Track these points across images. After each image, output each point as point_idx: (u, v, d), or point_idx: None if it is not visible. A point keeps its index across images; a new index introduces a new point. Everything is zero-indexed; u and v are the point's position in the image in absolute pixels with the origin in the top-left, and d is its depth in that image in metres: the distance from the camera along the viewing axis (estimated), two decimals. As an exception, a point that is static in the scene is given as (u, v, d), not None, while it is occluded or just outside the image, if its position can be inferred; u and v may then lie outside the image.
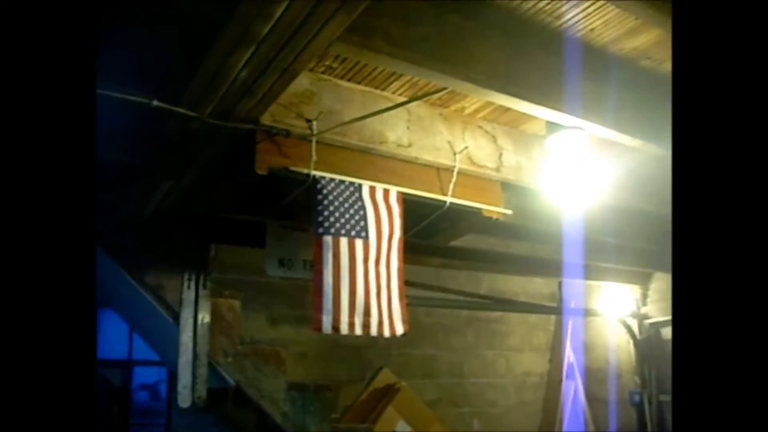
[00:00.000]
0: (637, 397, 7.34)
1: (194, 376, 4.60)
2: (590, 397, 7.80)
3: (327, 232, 3.36)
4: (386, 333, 3.59)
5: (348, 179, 3.42)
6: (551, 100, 3.10)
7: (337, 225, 3.38)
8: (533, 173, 4.07)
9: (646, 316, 7.46)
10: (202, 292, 4.69)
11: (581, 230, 5.03)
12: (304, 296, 6.17)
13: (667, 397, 7.21)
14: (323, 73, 3.40)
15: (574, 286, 8.04)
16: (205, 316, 4.66)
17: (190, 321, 4.62)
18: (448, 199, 3.70)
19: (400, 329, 3.67)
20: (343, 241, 3.40)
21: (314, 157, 3.23)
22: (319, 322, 3.35)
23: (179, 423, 5.64)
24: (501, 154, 3.92)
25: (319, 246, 3.37)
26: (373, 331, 3.50)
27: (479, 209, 3.82)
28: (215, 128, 2.89)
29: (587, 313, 7.61)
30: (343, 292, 3.36)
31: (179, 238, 4.48)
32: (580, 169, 3.66)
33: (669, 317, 7.23)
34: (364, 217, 3.48)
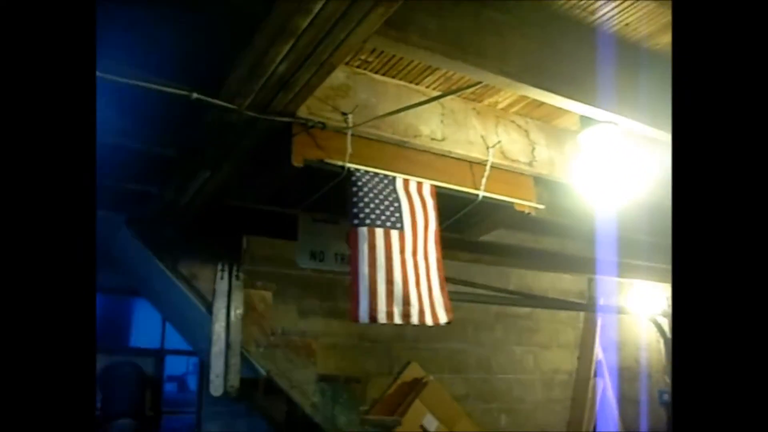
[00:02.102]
0: (666, 397, 7.30)
1: (227, 365, 4.67)
2: (619, 396, 7.76)
3: (362, 223, 3.40)
4: (429, 321, 3.61)
5: (382, 172, 3.46)
6: (585, 94, 3.10)
7: (372, 216, 3.42)
8: (566, 168, 4.06)
9: (676, 315, 7.40)
10: (235, 282, 4.76)
11: (613, 227, 5.01)
12: (335, 289, 6.25)
13: (697, 397, 7.15)
14: (359, 67, 3.44)
15: (604, 284, 8.00)
16: (237, 307, 4.73)
17: (223, 311, 4.69)
18: (481, 193, 3.72)
19: (443, 317, 3.69)
20: (379, 232, 3.44)
21: (349, 150, 3.27)
22: (356, 311, 3.38)
23: (210, 412, 5.73)
24: (534, 149, 3.92)
25: (355, 237, 3.41)
26: (414, 319, 3.52)
27: (511, 203, 3.84)
28: (252, 120, 2.94)
29: (617, 310, 7.58)
30: (379, 281, 3.39)
31: (213, 229, 4.56)
32: (614, 164, 3.65)
33: (700, 316, 7.16)
34: (399, 209, 3.51)
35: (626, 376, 7.77)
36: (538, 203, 3.97)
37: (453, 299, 6.23)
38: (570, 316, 7.99)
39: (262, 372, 4.86)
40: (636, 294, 7.68)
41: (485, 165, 3.75)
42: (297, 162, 3.17)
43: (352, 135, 3.27)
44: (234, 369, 4.69)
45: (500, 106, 3.88)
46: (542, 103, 3.85)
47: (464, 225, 4.14)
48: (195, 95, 2.76)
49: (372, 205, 3.42)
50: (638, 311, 7.46)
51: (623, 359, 7.85)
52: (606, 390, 7.76)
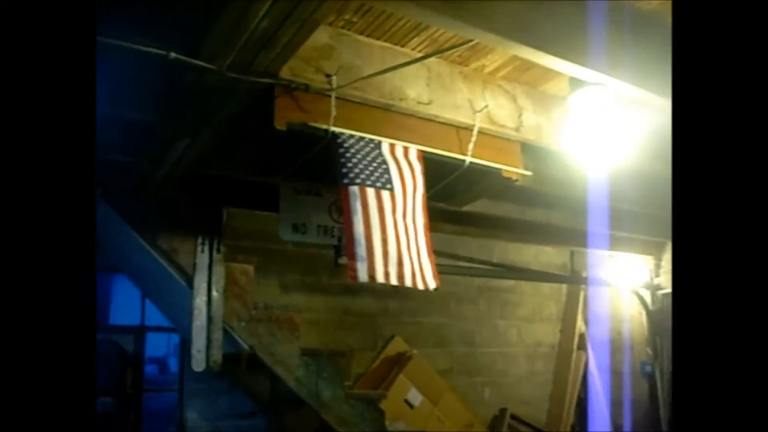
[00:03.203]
0: (649, 368, 7.34)
1: (209, 340, 4.59)
2: (601, 368, 7.77)
3: (352, 182, 3.32)
4: (419, 285, 3.55)
5: (368, 136, 3.37)
6: (576, 54, 3.00)
7: (362, 176, 3.34)
8: (553, 134, 3.99)
9: (659, 287, 7.43)
10: (215, 256, 4.66)
11: (599, 196, 4.96)
12: (317, 264, 6.17)
13: (679, 368, 7.17)
14: (342, 27, 3.33)
15: (586, 256, 8.00)
16: (219, 281, 4.64)
17: (204, 285, 4.60)
18: (468, 159, 3.64)
19: (432, 283, 3.63)
20: (370, 192, 3.36)
21: (333, 113, 3.17)
22: (354, 270, 3.32)
23: (192, 389, 5.64)
24: (521, 114, 3.84)
25: (347, 196, 3.33)
26: (408, 281, 3.47)
27: (499, 170, 3.76)
28: (233, 82, 2.82)
29: (600, 283, 7.56)
30: (375, 240, 3.33)
31: (193, 201, 4.44)
32: (602, 128, 3.59)
33: (682, 288, 7.17)
34: (387, 171, 3.44)
35: (609, 348, 7.77)
36: (525, 170, 3.89)
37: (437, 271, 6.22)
38: (553, 289, 7.98)
39: (245, 347, 4.78)
40: (618, 267, 7.67)
41: (472, 130, 3.67)
42: (279, 125, 3.06)
43: (337, 98, 3.17)
44: (216, 344, 4.60)
45: (487, 69, 3.78)
46: (529, 68, 3.77)
47: (449, 193, 4.05)
48: (173, 55, 2.64)
49: (361, 166, 3.34)
50: (621, 284, 7.45)
51: (606, 332, 7.85)
52: (589, 362, 7.78)
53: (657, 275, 7.47)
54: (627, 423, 7.34)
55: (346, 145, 3.29)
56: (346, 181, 3.31)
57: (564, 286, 8.08)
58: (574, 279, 7.80)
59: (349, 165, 3.31)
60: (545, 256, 7.81)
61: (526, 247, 7.55)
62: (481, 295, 7.31)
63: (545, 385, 7.68)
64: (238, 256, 4.84)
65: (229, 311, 4.67)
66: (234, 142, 3.64)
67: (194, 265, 4.56)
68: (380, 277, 3.35)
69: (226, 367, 4.78)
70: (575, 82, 3.43)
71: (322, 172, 4.37)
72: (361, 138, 3.37)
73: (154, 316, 6.64)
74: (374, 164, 3.38)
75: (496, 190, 4.32)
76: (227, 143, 3.63)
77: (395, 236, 3.40)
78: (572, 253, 8.14)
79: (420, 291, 6.74)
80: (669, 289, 7.34)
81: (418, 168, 3.56)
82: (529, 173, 3.88)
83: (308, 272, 6.15)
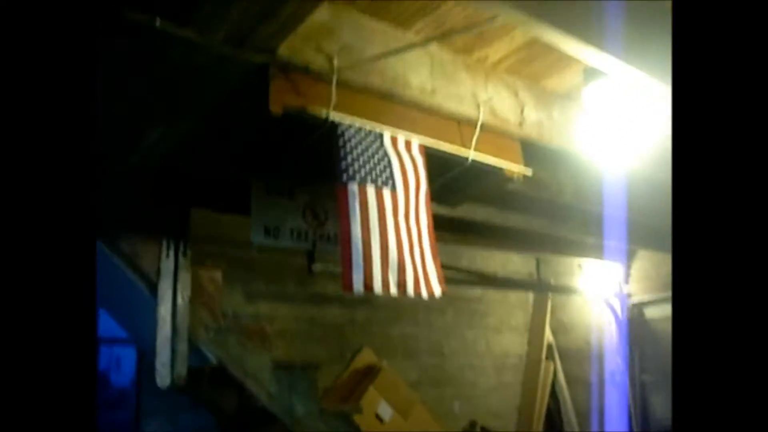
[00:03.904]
0: (618, 378, 7.18)
1: (173, 352, 4.20)
2: (570, 379, 7.62)
3: (352, 179, 3.00)
4: (423, 293, 3.25)
5: (369, 126, 3.07)
6: (595, 39, 2.78)
7: (362, 173, 3.03)
8: (553, 133, 3.77)
9: (628, 296, 7.30)
10: (182, 261, 4.29)
11: (591, 201, 4.80)
12: (283, 272, 5.84)
13: (649, 378, 7.08)
14: (345, 2, 3.01)
15: (552, 265, 7.87)
16: (185, 288, 4.26)
17: (169, 293, 4.21)
18: (471, 154, 3.37)
19: (437, 290, 3.33)
20: (370, 191, 3.05)
21: (334, 98, 2.86)
22: (350, 279, 2.98)
23: (150, 406, 5.23)
24: (523, 109, 3.60)
25: (345, 195, 3.00)
26: (410, 289, 3.15)
27: (501, 168, 3.51)
28: (224, 61, 2.50)
29: (569, 291, 7.43)
30: (374, 245, 3.01)
31: (158, 200, 4.06)
32: (615, 125, 3.39)
33: (652, 296, 7.10)
34: (389, 166, 3.13)
35: (577, 358, 7.64)
36: (526, 169, 3.66)
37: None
38: (520, 298, 7.82)
39: (212, 359, 4.43)
40: (587, 275, 7.54)
41: (474, 124, 3.40)
42: (275, 109, 2.72)
43: (337, 84, 2.86)
44: (181, 357, 4.21)
45: (490, 60, 3.52)
46: (532, 60, 3.56)
47: (445, 193, 3.77)
48: (159, 22, 2.29)
49: (361, 161, 3.03)
50: (589, 292, 7.32)
51: (574, 341, 7.71)
52: (557, 372, 7.63)
53: (626, 283, 7.36)
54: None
55: (346, 136, 2.98)
56: (345, 178, 3.00)
57: (531, 296, 7.92)
58: (545, 287, 7.64)
59: (349, 159, 2.99)
60: (512, 265, 7.66)
61: (494, 255, 7.38)
62: (450, 304, 7.08)
63: (514, 396, 7.50)
64: (205, 261, 4.48)
65: (195, 321, 4.30)
66: (213, 135, 3.29)
67: (158, 270, 4.17)
68: (378, 287, 3.04)
69: (187, 382, 4.43)
70: (591, 73, 3.22)
71: (295, 172, 4.10)
72: (362, 128, 3.06)
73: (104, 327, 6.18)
74: (375, 158, 3.08)
75: (489, 191, 4.07)
76: (205, 136, 3.28)
77: (396, 240, 3.10)
78: (538, 262, 8.01)
79: (387, 300, 6.57)
80: (639, 298, 7.24)
81: (420, 163, 3.27)
82: (530, 173, 3.64)
83: (274, 280, 5.81)
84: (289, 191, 4.50)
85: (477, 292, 7.33)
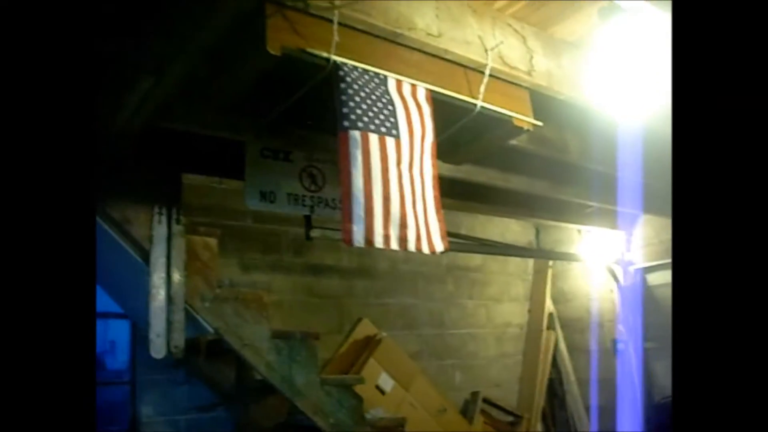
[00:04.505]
0: (621, 346, 7.07)
1: (169, 323, 4.02)
2: (572, 348, 7.51)
3: (354, 126, 2.81)
4: (425, 249, 3.08)
5: (373, 69, 2.88)
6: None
7: (365, 119, 2.84)
8: (563, 82, 3.60)
9: (630, 263, 7.17)
10: (175, 227, 4.09)
11: (597, 161, 4.64)
12: (278, 242, 5.68)
13: (652, 345, 6.97)
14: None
15: (552, 233, 7.73)
16: (179, 255, 4.08)
17: (162, 261, 4.02)
18: (479, 103, 3.19)
19: (439, 246, 3.16)
20: (373, 138, 2.87)
21: (336, 38, 2.67)
22: (350, 233, 2.81)
23: (145, 379, 5.06)
24: (532, 57, 3.43)
25: (346, 142, 2.81)
26: (411, 245, 2.99)
27: (510, 118, 3.33)
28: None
29: (570, 258, 7.29)
30: (376, 197, 2.84)
31: (150, 162, 3.87)
32: (631, 71, 3.21)
33: (654, 263, 6.97)
34: (394, 113, 2.95)
35: (578, 326, 7.53)
36: (536, 120, 3.48)
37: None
38: (519, 268, 7.70)
39: (209, 330, 4.25)
40: (588, 242, 7.40)
41: (481, 71, 3.22)
42: (273, 49, 2.53)
43: (338, 23, 2.67)
44: (178, 327, 4.04)
45: (497, 5, 3.35)
46: (540, 6, 3.38)
47: (451, 147, 3.60)
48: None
49: (364, 106, 2.83)
50: (591, 259, 7.18)
51: (575, 310, 7.60)
52: (559, 342, 7.52)
53: (628, 250, 7.22)
54: (598, 403, 7.09)
55: (348, 79, 2.79)
56: (346, 123, 2.81)
57: (531, 265, 7.80)
58: (547, 254, 7.51)
59: (351, 104, 2.80)
60: (511, 233, 7.53)
61: (494, 223, 7.24)
62: (450, 274, 6.96)
63: (515, 366, 7.41)
64: (199, 228, 4.30)
65: (191, 290, 4.12)
66: (206, 86, 3.08)
67: (150, 237, 3.98)
68: (379, 242, 2.88)
69: (183, 355, 4.27)
70: (607, 11, 3.03)
71: (292, 132, 3.93)
72: (366, 71, 2.87)
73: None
74: (379, 104, 2.89)
75: (494, 148, 3.89)
76: (197, 87, 3.08)
77: (399, 192, 2.93)
78: (538, 231, 7.88)
79: (386, 270, 6.43)
80: (641, 265, 7.11)
81: (427, 111, 3.09)
82: (540, 123, 3.47)
83: (269, 251, 5.66)
84: (285, 154, 4.35)
85: (477, 261, 7.21)
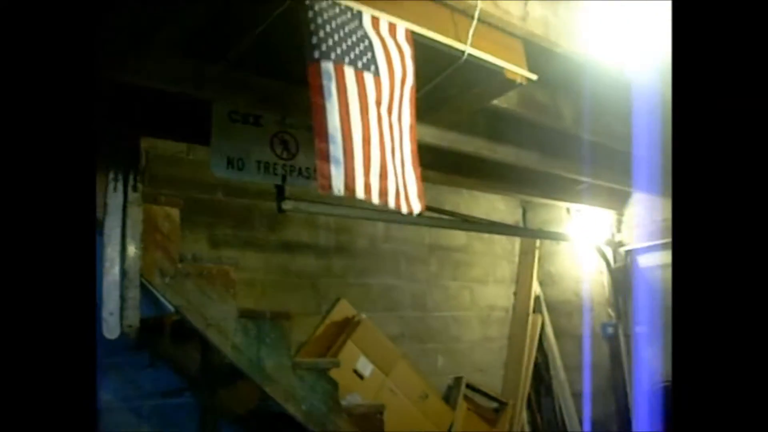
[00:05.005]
0: (610, 330, 6.81)
1: (123, 299, 3.66)
2: (559, 332, 7.22)
3: (326, 57, 2.44)
4: (402, 207, 2.73)
5: (344, 2, 2.51)
6: None
7: (339, 51, 2.47)
8: (560, 33, 3.24)
9: (621, 244, 6.88)
10: (132, 195, 3.73)
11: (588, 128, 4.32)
12: (251, 216, 5.32)
13: (643, 329, 6.68)
14: None
15: (540, 212, 7.44)
16: (135, 226, 3.71)
17: (117, 231, 3.65)
18: (467, 49, 2.84)
19: (416, 206, 2.82)
20: (349, 72, 2.50)
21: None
22: (327, 177, 2.44)
23: (106, 363, 4.68)
24: (526, 3, 3.08)
25: (318, 75, 2.43)
26: (391, 200, 2.65)
27: (501, 69, 2.98)
28: None
29: (558, 237, 6.98)
30: (355, 138, 2.47)
31: (104, 122, 3.49)
32: (633, 23, 2.87)
33: (646, 244, 6.68)
34: (371, 48, 2.59)
35: (566, 310, 7.24)
36: (530, 73, 3.13)
37: (379, 219, 5.45)
38: (505, 249, 7.40)
39: (170, 308, 3.93)
40: (577, 222, 7.10)
41: (470, 16, 2.87)
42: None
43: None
44: (132, 304, 3.67)
45: (486, -61, 2.99)
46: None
47: (437, 100, 3.24)
48: None
49: (336, 37, 2.46)
50: (580, 240, 6.88)
51: (563, 293, 7.31)
52: (545, 326, 7.23)
53: (618, 231, 6.92)
54: (587, 388, 6.82)
55: (317, 8, 2.42)
56: (316, 54, 2.42)
57: (517, 246, 7.50)
58: (534, 233, 7.20)
59: (321, 34, 2.42)
60: (497, 213, 7.23)
61: (479, 201, 6.93)
62: (433, 254, 6.64)
63: (500, 351, 7.12)
64: (160, 198, 3.93)
65: (149, 264, 3.77)
66: (158, 23, 2.70)
67: (105, 206, 3.62)
68: (360, 191, 2.52)
69: (146, 336, 3.98)
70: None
71: (260, 88, 3.58)
72: (336, 3, 2.49)
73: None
74: (354, 38, 2.52)
75: (481, 110, 3.55)
76: (149, 26, 2.70)
77: (379, 137, 2.57)
78: (524, 210, 7.58)
79: (366, 249, 6.09)
80: (632, 246, 6.81)
81: (407, 52, 2.73)
82: (534, 77, 3.12)
83: (241, 226, 5.30)
84: (255, 118, 4.04)
85: (461, 241, 6.90)
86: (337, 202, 4.94)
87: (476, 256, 7.08)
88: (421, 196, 2.82)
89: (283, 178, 4.14)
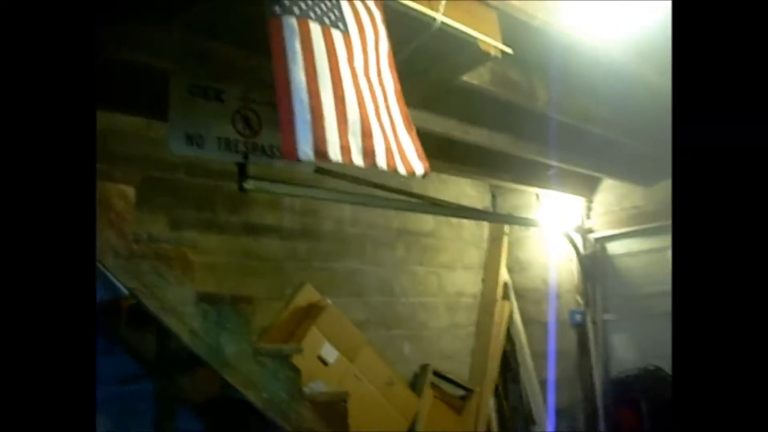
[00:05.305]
0: (578, 317, 6.74)
1: (73, 281, 3.46)
2: (527, 319, 7.15)
3: (288, 11, 2.24)
4: (401, 168, 2.52)
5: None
6: None
7: (302, 5, 2.27)
8: (539, 8, 3.10)
9: (590, 231, 6.82)
10: (83, 171, 3.53)
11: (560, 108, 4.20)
12: (213, 197, 5.13)
13: (611, 317, 6.65)
14: None
15: (510, 198, 7.35)
16: (88, 204, 3.51)
17: (68, 209, 3.46)
18: (439, 17, 2.68)
19: (419, 167, 2.60)
20: (315, 28, 2.30)
21: None
22: (293, 143, 2.18)
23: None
24: (502, -29, 2.94)
25: (279, 31, 2.22)
26: (381, 161, 2.42)
27: (475, 40, 2.83)
28: None
29: (528, 223, 6.89)
30: (325, 96, 2.26)
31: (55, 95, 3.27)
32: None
33: (616, 231, 6.63)
34: (338, 5, 2.40)
35: (534, 297, 7.16)
36: (505, 46, 2.98)
37: (344, 201, 5.29)
38: (474, 234, 7.29)
39: (123, 291, 3.73)
40: (546, 208, 7.02)
41: (442, -16, 2.72)
42: None
43: None
44: (84, 286, 3.49)
45: None
46: None
47: (405, 72, 3.06)
48: None
49: None
50: (549, 227, 6.79)
51: (531, 280, 7.24)
52: (514, 313, 7.15)
53: (588, 218, 6.86)
54: (554, 375, 6.76)
55: None
56: (277, 9, 2.21)
57: (486, 232, 7.39)
58: (503, 218, 7.10)
59: None
60: (466, 198, 7.10)
61: (448, 185, 6.81)
62: (400, 238, 6.50)
63: (467, 338, 7.02)
64: (114, 174, 3.73)
65: (102, 244, 3.56)
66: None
67: (55, 182, 3.41)
68: (335, 153, 2.27)
69: (101, 321, 3.76)
70: None
71: (224, 62, 3.41)
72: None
73: None
74: None
75: (452, 87, 3.40)
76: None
77: (356, 94, 2.36)
78: (494, 195, 7.47)
79: (332, 232, 5.92)
80: (602, 233, 6.76)
81: (378, 15, 2.55)
82: (510, 50, 2.98)
83: (203, 207, 5.10)
84: (217, 93, 3.86)
85: (429, 226, 6.77)
86: (302, 182, 4.81)
87: (444, 241, 6.95)
88: (422, 157, 2.62)
89: (245, 156, 3.97)
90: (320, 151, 2.23)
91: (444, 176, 6.55)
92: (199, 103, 3.75)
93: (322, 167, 4.79)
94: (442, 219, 6.82)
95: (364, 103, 2.38)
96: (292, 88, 2.21)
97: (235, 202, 5.22)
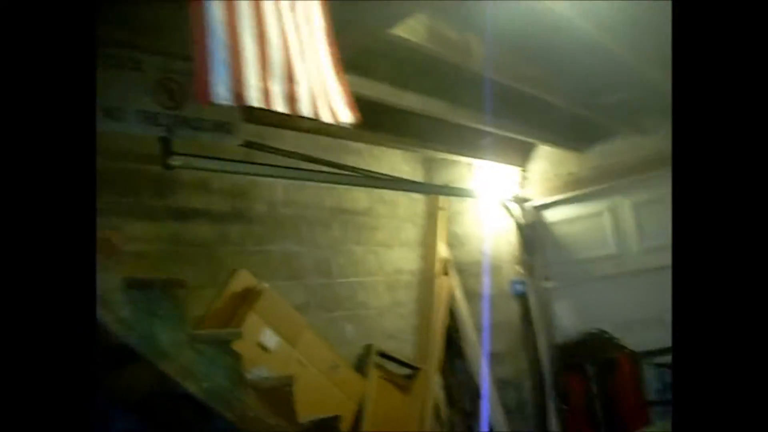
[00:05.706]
0: (520, 287, 6.69)
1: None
2: (469, 293, 7.06)
3: None
4: (326, 116, 2.33)
5: None
6: None
7: None
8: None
9: (526, 200, 6.77)
10: None
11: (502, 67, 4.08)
12: (136, 181, 4.81)
13: (552, 284, 6.63)
14: None
15: (443, 172, 7.24)
16: None
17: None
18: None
19: (346, 114, 2.42)
20: None
21: None
22: (206, 83, 1.95)
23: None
24: None
25: None
26: (305, 107, 2.24)
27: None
28: None
29: (464, 193, 6.79)
30: (244, 34, 2.04)
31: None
32: None
33: (552, 199, 6.60)
34: None
35: (474, 270, 7.07)
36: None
37: (274, 175, 5.06)
38: (410, 211, 7.15)
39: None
40: (480, 179, 6.94)
41: None
42: None
43: None
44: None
45: None
46: None
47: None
48: None
49: None
50: (485, 198, 6.71)
51: (470, 253, 7.15)
52: (454, 288, 7.05)
53: (523, 187, 6.81)
54: (499, 347, 6.70)
55: None
56: None
57: (422, 208, 7.26)
58: (440, 189, 6.98)
59: None
60: (399, 173, 6.93)
61: (381, 160, 6.65)
62: (335, 218, 6.30)
63: (410, 316, 6.88)
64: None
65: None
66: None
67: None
68: (254, 96, 2.07)
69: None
70: None
71: (141, 22, 3.16)
72: None
73: None
74: None
75: (383, 41, 3.21)
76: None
77: (281, 34, 2.15)
78: (427, 170, 7.35)
79: (264, 214, 5.67)
80: (538, 201, 6.72)
81: None
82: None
83: (126, 192, 4.77)
84: (135, 62, 3.60)
85: (363, 204, 6.59)
86: (233, 157, 4.55)
87: (380, 219, 6.79)
88: (351, 105, 2.43)
89: (169, 130, 3.71)
90: (238, 94, 2.03)
91: (376, 152, 6.39)
92: (115, 73, 3.51)
93: (252, 141, 4.56)
94: (376, 197, 6.65)
95: (288, 45, 2.18)
96: (206, 21, 1.99)
97: (159, 187, 4.92)
